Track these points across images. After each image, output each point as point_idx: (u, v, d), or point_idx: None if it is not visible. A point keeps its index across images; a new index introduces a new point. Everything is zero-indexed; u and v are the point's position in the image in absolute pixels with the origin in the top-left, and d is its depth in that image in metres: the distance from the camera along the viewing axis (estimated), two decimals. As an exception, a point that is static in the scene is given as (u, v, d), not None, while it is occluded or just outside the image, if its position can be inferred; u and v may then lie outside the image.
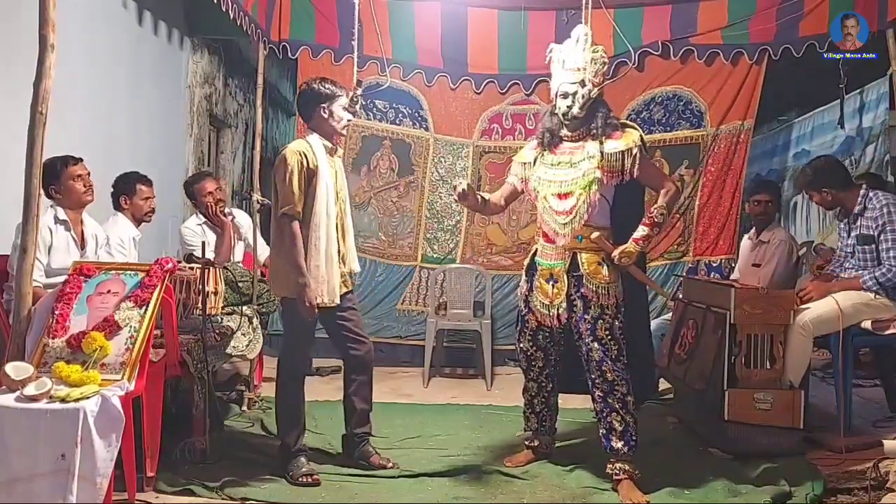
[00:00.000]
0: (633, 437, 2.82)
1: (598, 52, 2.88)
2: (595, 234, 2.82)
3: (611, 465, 2.82)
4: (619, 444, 2.80)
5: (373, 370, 3.15)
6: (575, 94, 2.85)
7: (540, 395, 3.11)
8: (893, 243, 3.28)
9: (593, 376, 2.83)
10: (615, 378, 2.79)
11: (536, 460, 3.14)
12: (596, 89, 2.85)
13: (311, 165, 2.84)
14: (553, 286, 2.91)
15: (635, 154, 2.80)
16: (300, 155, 2.84)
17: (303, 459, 2.92)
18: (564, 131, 2.94)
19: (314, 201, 2.83)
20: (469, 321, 4.79)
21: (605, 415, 2.84)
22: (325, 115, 2.93)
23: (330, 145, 2.97)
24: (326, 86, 2.95)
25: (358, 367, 3.10)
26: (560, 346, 3.06)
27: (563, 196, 2.86)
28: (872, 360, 4.13)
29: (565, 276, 2.87)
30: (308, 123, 3.01)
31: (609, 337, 2.81)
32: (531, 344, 3.05)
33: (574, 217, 2.82)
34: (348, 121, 2.99)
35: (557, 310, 2.90)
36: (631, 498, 2.72)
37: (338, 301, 2.88)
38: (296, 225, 2.81)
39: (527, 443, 3.19)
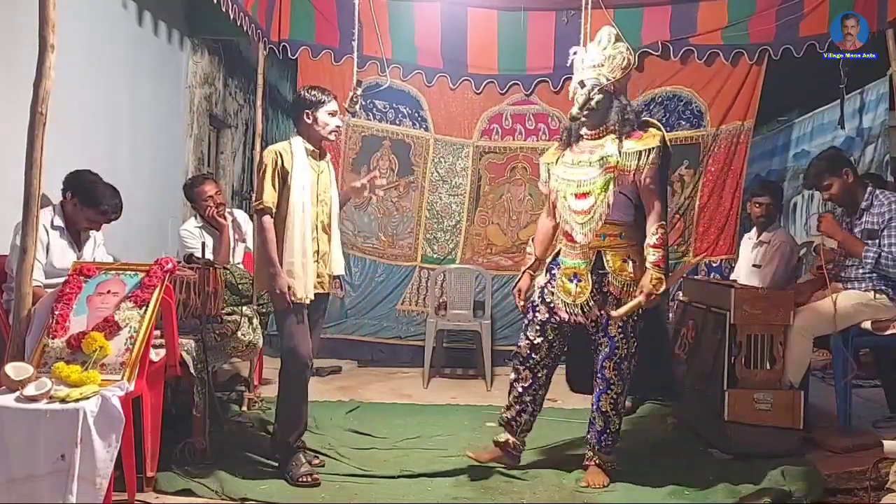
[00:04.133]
0: (612, 439, 2.91)
1: (618, 48, 2.87)
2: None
3: (588, 452, 2.94)
4: (597, 440, 2.91)
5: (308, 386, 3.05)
6: (575, 91, 2.90)
7: (532, 386, 3.05)
8: None
9: (604, 370, 2.87)
10: (623, 377, 2.86)
11: (502, 462, 3.02)
12: (599, 89, 2.84)
13: (285, 165, 2.92)
14: (576, 285, 2.90)
15: (651, 155, 2.77)
16: (276, 154, 2.94)
17: (302, 459, 2.92)
18: (584, 130, 2.95)
19: (288, 199, 2.90)
20: (469, 321, 4.79)
21: (601, 409, 2.90)
22: (310, 121, 2.99)
23: (312, 148, 3.01)
24: (312, 92, 3.02)
25: (287, 377, 3.00)
26: (563, 344, 3.05)
27: (581, 196, 2.88)
28: (872, 360, 4.13)
29: (589, 275, 2.87)
30: (297, 128, 3.07)
31: (632, 335, 2.85)
32: (538, 334, 3.01)
33: (592, 217, 2.84)
34: (337, 126, 3.04)
35: (581, 308, 2.89)
36: (592, 481, 2.82)
37: (311, 297, 2.92)
38: (267, 219, 2.89)
39: (499, 440, 3.07)
